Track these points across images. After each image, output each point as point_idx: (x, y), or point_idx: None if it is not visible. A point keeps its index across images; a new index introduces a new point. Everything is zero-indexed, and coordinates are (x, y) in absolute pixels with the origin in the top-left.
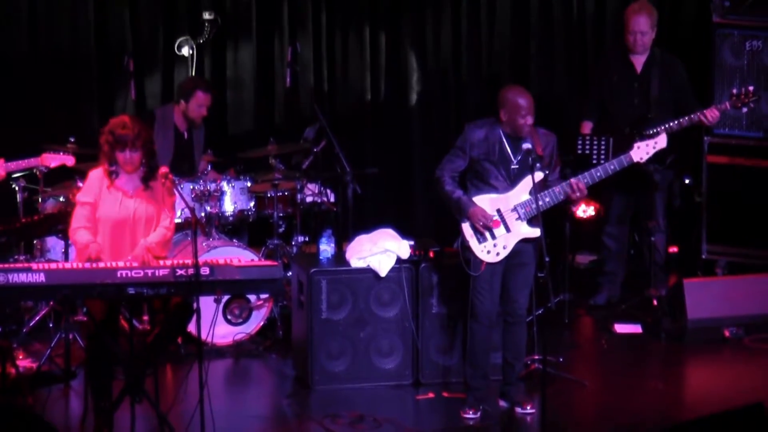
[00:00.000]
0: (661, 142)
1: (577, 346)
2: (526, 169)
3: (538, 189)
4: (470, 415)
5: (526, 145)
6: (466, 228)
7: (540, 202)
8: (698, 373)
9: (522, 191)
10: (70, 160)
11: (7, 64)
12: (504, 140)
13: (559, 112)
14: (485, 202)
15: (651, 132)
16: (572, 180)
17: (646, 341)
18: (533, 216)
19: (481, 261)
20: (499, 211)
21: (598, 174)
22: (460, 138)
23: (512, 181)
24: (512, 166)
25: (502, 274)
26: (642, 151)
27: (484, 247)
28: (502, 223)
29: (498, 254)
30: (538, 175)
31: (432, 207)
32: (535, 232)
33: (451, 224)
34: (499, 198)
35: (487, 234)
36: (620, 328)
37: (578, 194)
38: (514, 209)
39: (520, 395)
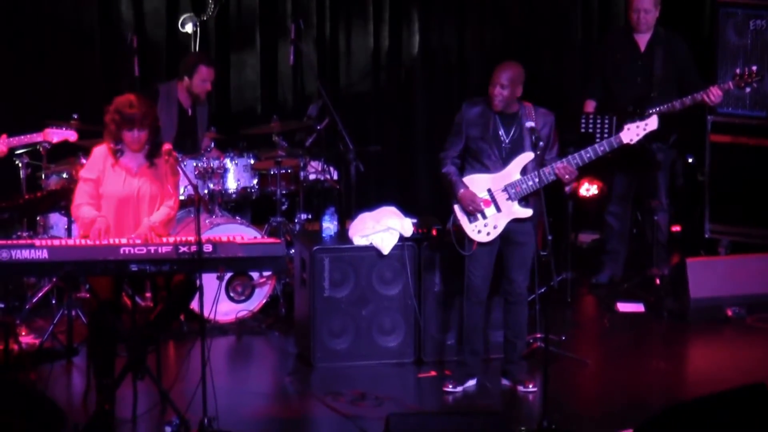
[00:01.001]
0: (652, 124)
1: (579, 324)
2: (519, 149)
3: (529, 169)
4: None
5: (530, 124)
6: (458, 208)
7: (530, 182)
8: (700, 352)
9: (513, 171)
10: (72, 136)
11: (10, 39)
12: (497, 119)
13: (562, 90)
14: (477, 181)
15: (653, 111)
16: (559, 164)
17: (649, 320)
18: (525, 196)
19: (473, 240)
20: (489, 190)
21: (588, 155)
22: (457, 116)
23: (504, 160)
24: (504, 145)
25: (497, 253)
26: (632, 133)
27: (475, 226)
28: (493, 202)
29: (489, 234)
30: (528, 155)
31: (435, 185)
32: (527, 212)
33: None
34: (491, 177)
35: (478, 214)
36: (623, 306)
37: (567, 176)
38: (505, 189)
39: (522, 374)
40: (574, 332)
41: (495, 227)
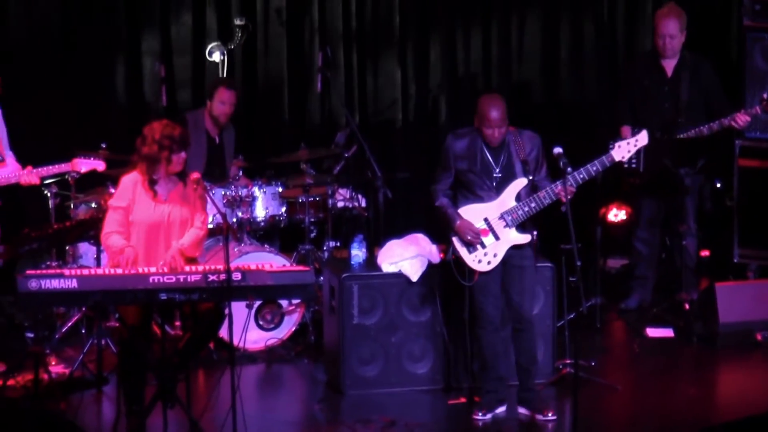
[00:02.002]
0: (642, 140)
1: (608, 350)
2: (511, 176)
3: (523, 195)
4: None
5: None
6: (456, 240)
7: (527, 208)
8: (730, 377)
9: (508, 198)
10: (100, 165)
11: (38, 69)
12: (485, 150)
13: (589, 117)
14: (472, 212)
15: (681, 136)
16: (557, 188)
17: (678, 345)
18: (522, 222)
19: (474, 271)
20: (486, 219)
21: (582, 176)
22: (443, 150)
23: (497, 189)
24: (495, 175)
25: (500, 278)
26: (623, 150)
27: (475, 257)
28: (491, 231)
29: (489, 263)
30: (522, 181)
31: None
32: (525, 238)
33: None
34: (486, 206)
35: (477, 244)
36: (652, 332)
37: (566, 197)
38: (501, 217)
39: (540, 402)
40: (604, 357)
41: (495, 255)
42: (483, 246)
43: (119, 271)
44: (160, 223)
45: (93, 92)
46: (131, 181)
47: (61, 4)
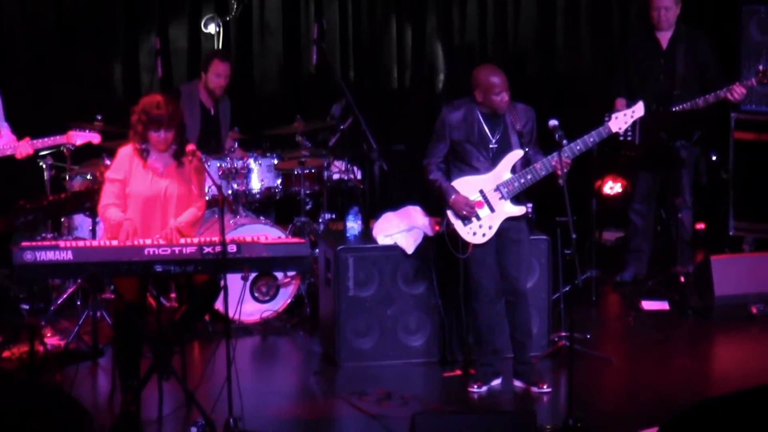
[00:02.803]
0: (638, 111)
1: (603, 323)
2: (507, 148)
3: (518, 167)
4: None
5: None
6: (450, 212)
7: (523, 180)
8: (725, 349)
9: (504, 170)
10: (96, 138)
11: (33, 40)
12: (482, 120)
13: (585, 89)
14: (467, 184)
15: (676, 108)
16: (553, 160)
17: (673, 318)
18: (517, 194)
19: (468, 243)
20: (482, 191)
21: (578, 147)
22: (438, 122)
23: (493, 160)
24: (491, 146)
25: (495, 251)
26: (620, 121)
27: (470, 229)
28: (486, 203)
29: (484, 235)
30: (518, 153)
31: None
32: (521, 210)
33: None
34: (482, 178)
35: (472, 217)
36: (647, 305)
37: (561, 170)
38: (497, 189)
39: (535, 375)
40: (599, 330)
41: (490, 227)
42: (478, 218)
43: (114, 243)
44: (157, 196)
45: (88, 64)
46: (127, 153)
47: None
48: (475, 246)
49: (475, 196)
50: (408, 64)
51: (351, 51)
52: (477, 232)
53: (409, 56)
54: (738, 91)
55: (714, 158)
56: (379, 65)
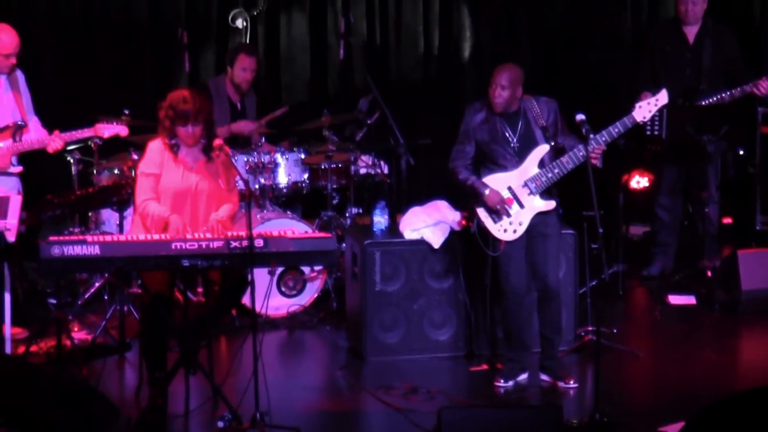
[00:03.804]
0: (662, 99)
1: (630, 317)
2: (532, 143)
3: (546, 161)
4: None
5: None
6: (481, 211)
7: (550, 174)
8: (752, 344)
9: (531, 165)
10: (123, 130)
11: (61, 36)
12: (500, 119)
13: (612, 83)
14: (496, 181)
15: (703, 103)
16: (582, 152)
17: (700, 312)
18: (546, 189)
19: (499, 240)
20: (510, 188)
21: (604, 138)
22: (462, 123)
23: (519, 157)
24: (512, 144)
25: (524, 247)
26: (644, 110)
27: (501, 226)
28: (515, 200)
29: (515, 231)
30: (544, 148)
31: None
32: (550, 205)
33: None
34: (509, 175)
35: (504, 213)
36: (674, 299)
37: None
38: (525, 185)
39: (562, 370)
40: (626, 325)
41: (520, 224)
42: (508, 215)
43: (141, 237)
44: (188, 190)
45: (115, 58)
46: (158, 147)
47: None
48: (506, 243)
49: (504, 193)
50: (434, 57)
51: (378, 45)
52: (508, 228)
53: (436, 52)
54: (764, 86)
55: (741, 153)
56: (405, 60)
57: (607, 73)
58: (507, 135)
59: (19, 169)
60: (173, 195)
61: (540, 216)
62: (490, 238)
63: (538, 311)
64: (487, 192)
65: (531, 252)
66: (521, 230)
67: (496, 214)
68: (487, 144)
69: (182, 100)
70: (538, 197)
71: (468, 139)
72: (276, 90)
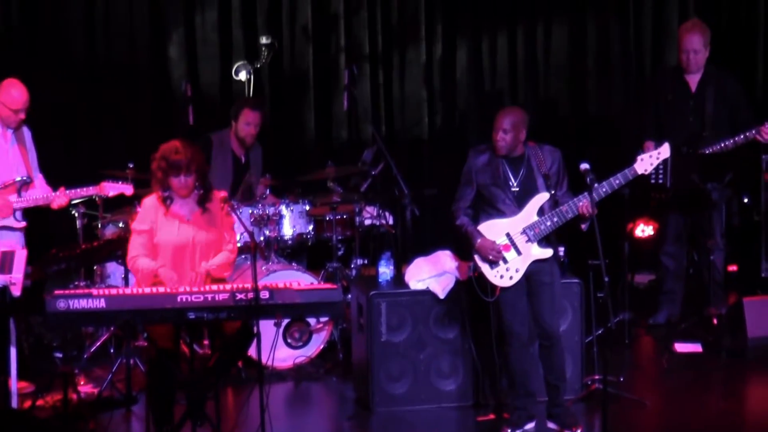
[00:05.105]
0: (665, 152)
1: (637, 365)
2: (532, 190)
3: (546, 209)
4: None
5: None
6: (478, 257)
7: (549, 222)
8: (760, 391)
9: (531, 212)
10: (128, 190)
11: (66, 88)
12: (504, 163)
13: (614, 131)
14: (495, 226)
15: (707, 151)
16: (581, 202)
17: (707, 360)
18: (544, 237)
19: (496, 286)
20: (508, 234)
21: (604, 189)
22: (465, 166)
23: (517, 203)
24: (512, 189)
25: (526, 295)
26: (646, 163)
27: (497, 272)
28: (513, 246)
29: (511, 278)
30: (544, 196)
31: None
32: (547, 253)
33: None
34: (509, 221)
35: (499, 260)
36: (680, 347)
37: (588, 213)
38: (524, 232)
39: (570, 418)
40: (632, 373)
41: (517, 270)
42: (505, 261)
43: (147, 290)
44: (186, 244)
45: (121, 112)
46: (152, 203)
47: (85, 24)
48: (505, 290)
49: (501, 239)
50: (438, 109)
51: (382, 97)
52: (504, 275)
53: (439, 102)
54: (767, 132)
55: (746, 200)
56: (409, 110)
57: (610, 121)
58: (508, 179)
59: (23, 224)
60: (172, 250)
61: (538, 264)
62: (487, 283)
63: (541, 359)
64: (478, 241)
65: (533, 299)
66: (517, 277)
67: (492, 261)
68: (487, 187)
69: (174, 150)
70: (536, 245)
71: (469, 181)
72: (280, 141)
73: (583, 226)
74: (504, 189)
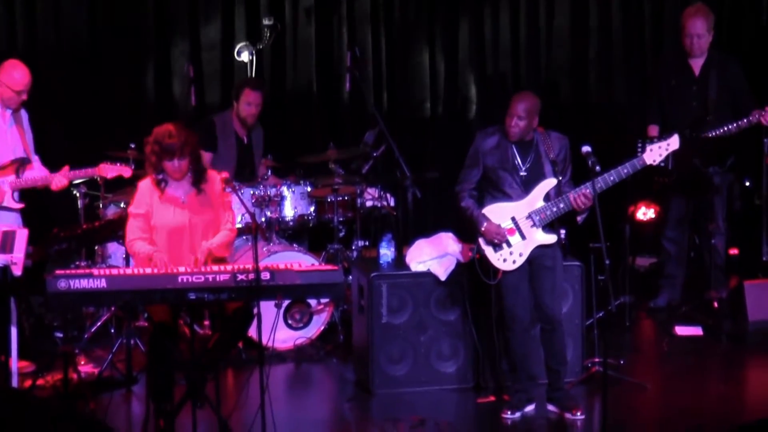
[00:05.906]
0: (674, 143)
1: (637, 348)
2: (539, 176)
3: (552, 195)
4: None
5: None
6: (482, 239)
7: (555, 208)
8: (759, 374)
9: (537, 198)
10: (127, 172)
11: (69, 68)
12: (513, 147)
13: (617, 116)
14: (500, 210)
15: (710, 135)
16: (585, 190)
17: (707, 343)
18: (549, 222)
19: (498, 269)
20: (514, 218)
21: (612, 178)
22: (471, 148)
23: (524, 188)
24: (521, 173)
25: (528, 278)
26: (655, 154)
27: (500, 255)
28: (517, 230)
29: (514, 262)
30: (552, 182)
31: None
32: (552, 238)
33: None
34: (515, 205)
35: (503, 243)
36: (681, 330)
37: (584, 204)
38: (529, 216)
39: (570, 401)
40: (633, 356)
41: (520, 255)
42: (509, 245)
43: (148, 270)
44: (183, 227)
45: (123, 93)
46: (147, 186)
47: (89, 5)
48: (508, 274)
49: (506, 223)
50: (441, 92)
51: (384, 78)
52: (507, 258)
53: (442, 84)
54: None
55: (747, 184)
56: (412, 92)
57: (612, 107)
58: (517, 163)
59: (20, 205)
60: (168, 233)
61: (541, 248)
62: (490, 266)
63: (543, 343)
64: (484, 225)
65: (535, 283)
66: (520, 261)
67: (496, 244)
68: (495, 170)
69: (167, 134)
70: (540, 230)
71: (476, 162)
72: (282, 122)
73: (579, 219)
74: (512, 173)
